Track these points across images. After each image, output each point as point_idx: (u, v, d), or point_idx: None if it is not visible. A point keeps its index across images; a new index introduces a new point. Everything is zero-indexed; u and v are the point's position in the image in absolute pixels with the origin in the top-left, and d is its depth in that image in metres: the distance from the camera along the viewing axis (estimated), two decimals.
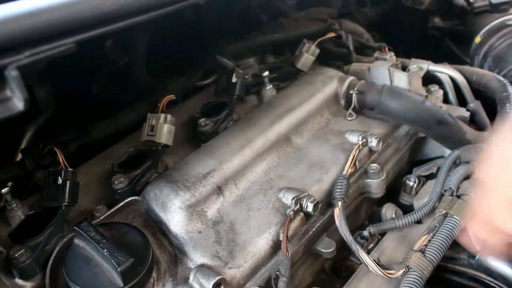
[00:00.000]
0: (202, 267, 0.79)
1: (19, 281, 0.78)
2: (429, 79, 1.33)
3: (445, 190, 1.00)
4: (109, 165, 0.99)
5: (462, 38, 1.70)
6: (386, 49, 1.35)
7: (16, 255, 0.76)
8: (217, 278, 0.76)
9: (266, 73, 1.20)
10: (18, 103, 0.49)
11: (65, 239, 0.80)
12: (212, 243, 0.84)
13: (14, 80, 0.48)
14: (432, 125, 1.11)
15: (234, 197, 0.93)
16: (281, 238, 0.85)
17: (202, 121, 1.07)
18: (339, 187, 0.94)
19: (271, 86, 1.22)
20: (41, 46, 0.50)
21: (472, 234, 0.85)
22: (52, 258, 0.78)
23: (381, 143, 1.06)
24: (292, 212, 0.88)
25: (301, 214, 0.89)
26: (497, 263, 0.93)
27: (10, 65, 0.48)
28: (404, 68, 1.32)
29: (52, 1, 0.51)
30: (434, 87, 1.30)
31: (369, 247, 0.97)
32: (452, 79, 1.34)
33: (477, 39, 1.61)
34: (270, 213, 0.91)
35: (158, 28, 1.07)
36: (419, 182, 1.14)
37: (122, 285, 0.72)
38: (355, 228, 1.03)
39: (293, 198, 0.90)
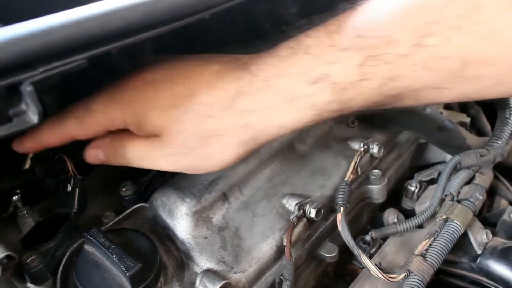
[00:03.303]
0: (208, 272, 0.81)
1: (31, 285, 0.79)
2: None
3: (446, 195, 1.01)
4: (116, 172, 1.00)
5: None
6: None
7: (28, 261, 0.78)
8: (223, 282, 0.78)
9: None
10: (33, 117, 0.52)
11: (75, 245, 0.81)
12: (218, 248, 0.86)
13: (29, 95, 0.50)
14: (432, 131, 1.12)
15: (239, 204, 0.94)
16: (284, 243, 0.87)
17: None
18: (341, 193, 0.95)
19: None
20: (54, 62, 0.52)
21: None
22: (62, 263, 0.80)
23: (382, 150, 1.07)
24: (296, 218, 0.89)
25: (304, 219, 0.91)
26: (498, 266, 0.95)
27: (25, 81, 0.50)
28: None
29: (64, 19, 0.53)
30: None
31: (371, 251, 0.99)
32: None
33: None
34: (274, 219, 0.92)
35: (163, 37, 1.09)
36: (421, 187, 1.15)
37: None
38: (357, 233, 1.05)
39: (296, 204, 0.92)
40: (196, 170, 0.78)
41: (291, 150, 1.07)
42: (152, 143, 0.74)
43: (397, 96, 0.69)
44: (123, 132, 0.76)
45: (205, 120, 0.71)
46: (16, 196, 0.88)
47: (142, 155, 0.77)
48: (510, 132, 1.12)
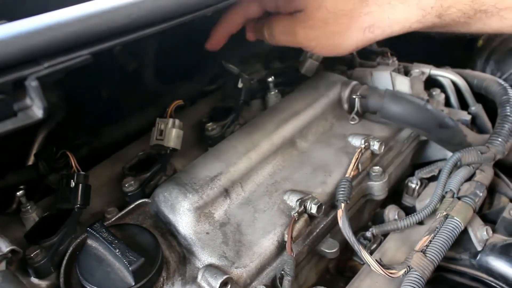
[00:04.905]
0: (210, 267, 0.82)
1: (34, 280, 0.80)
2: (431, 83, 1.35)
3: (446, 192, 1.02)
4: (119, 168, 1.01)
5: (464, 42, 1.71)
6: (389, 54, 1.37)
7: (32, 255, 0.79)
8: (225, 277, 0.78)
9: (271, 79, 1.22)
10: (37, 111, 0.52)
11: (78, 240, 0.82)
12: (220, 243, 0.86)
13: (34, 90, 0.51)
14: (433, 129, 1.12)
15: (240, 199, 0.95)
16: (286, 239, 0.87)
17: (209, 125, 1.09)
18: (342, 189, 0.96)
19: (276, 91, 1.24)
20: (59, 57, 0.53)
21: None
22: (66, 258, 0.81)
23: (383, 146, 1.08)
24: (297, 214, 0.90)
25: (305, 215, 0.91)
26: (498, 263, 0.95)
27: (30, 76, 0.50)
28: (406, 73, 1.33)
29: (69, 15, 0.54)
30: (435, 91, 1.31)
31: (372, 247, 0.99)
32: (454, 83, 1.36)
33: (479, 43, 1.62)
34: (275, 214, 0.93)
35: (166, 35, 1.10)
36: (421, 184, 1.16)
37: (133, 283, 0.75)
38: (359, 229, 1.06)
39: (297, 200, 0.92)
40: (325, 49, 1.03)
41: (292, 146, 1.08)
42: (295, 18, 0.99)
43: (485, 12, 0.89)
44: (271, 17, 1.04)
45: (341, 2, 0.95)
46: (20, 192, 0.88)
47: (285, 29, 1.01)
48: (510, 129, 1.12)
